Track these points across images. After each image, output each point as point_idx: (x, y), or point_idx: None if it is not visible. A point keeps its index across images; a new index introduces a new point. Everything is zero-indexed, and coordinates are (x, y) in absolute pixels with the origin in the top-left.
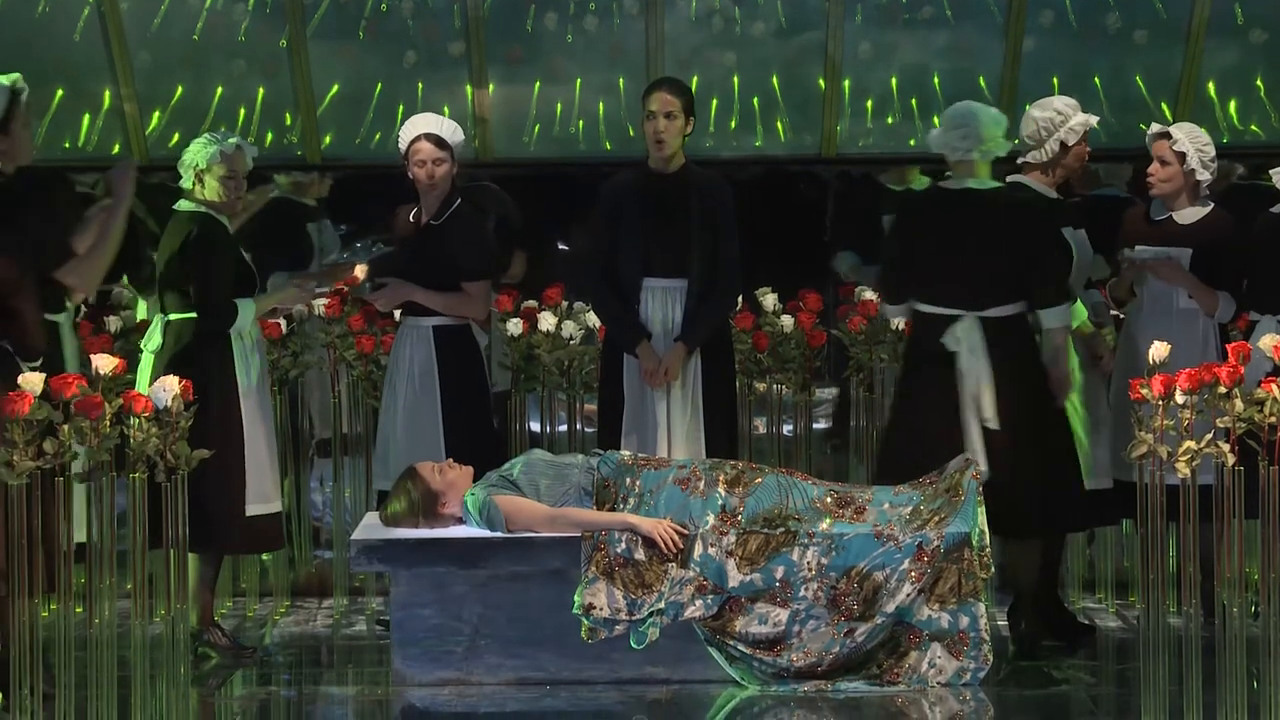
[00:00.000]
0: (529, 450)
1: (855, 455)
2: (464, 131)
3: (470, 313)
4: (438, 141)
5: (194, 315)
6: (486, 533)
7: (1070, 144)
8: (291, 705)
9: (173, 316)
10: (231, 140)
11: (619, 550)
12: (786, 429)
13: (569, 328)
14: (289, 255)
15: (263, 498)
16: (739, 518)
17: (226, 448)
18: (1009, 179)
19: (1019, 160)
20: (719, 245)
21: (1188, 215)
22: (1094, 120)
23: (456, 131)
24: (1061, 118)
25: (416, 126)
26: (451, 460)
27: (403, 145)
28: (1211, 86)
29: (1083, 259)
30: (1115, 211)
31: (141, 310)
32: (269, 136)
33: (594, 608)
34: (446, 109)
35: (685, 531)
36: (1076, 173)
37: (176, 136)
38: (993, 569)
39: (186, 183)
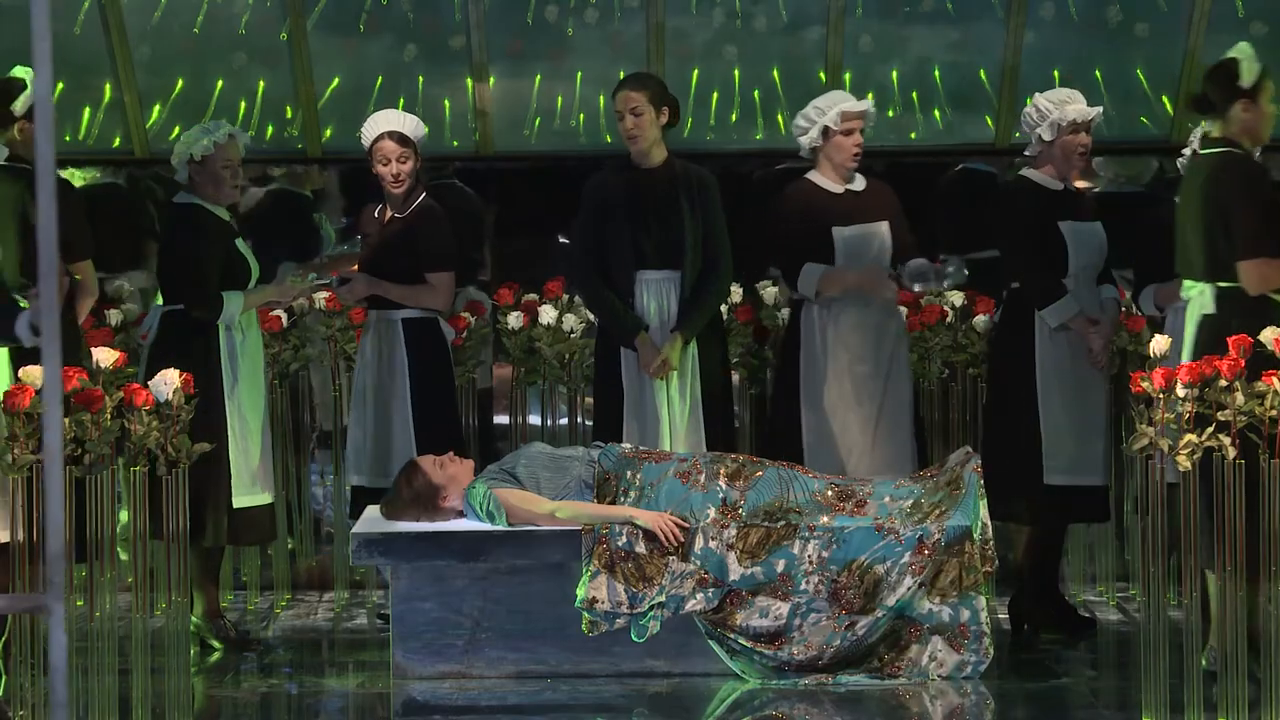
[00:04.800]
0: (529, 443)
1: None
2: (465, 125)
3: (433, 303)
4: (400, 139)
5: (182, 306)
6: (487, 526)
7: (1047, 139)
8: (292, 699)
9: (167, 307)
10: (223, 129)
11: (620, 543)
12: None
13: (570, 321)
14: (295, 246)
15: (251, 490)
16: (740, 511)
17: (208, 439)
18: (1020, 172)
19: (1026, 152)
20: (709, 235)
21: None
22: (1073, 116)
23: (419, 127)
24: (1040, 114)
25: (378, 125)
26: (452, 453)
27: (365, 143)
28: None
29: (1085, 253)
30: (1134, 208)
31: None
32: (269, 130)
33: (596, 601)
34: (447, 102)
35: (686, 525)
36: (1065, 167)
37: (177, 129)
38: (995, 562)
39: (181, 174)
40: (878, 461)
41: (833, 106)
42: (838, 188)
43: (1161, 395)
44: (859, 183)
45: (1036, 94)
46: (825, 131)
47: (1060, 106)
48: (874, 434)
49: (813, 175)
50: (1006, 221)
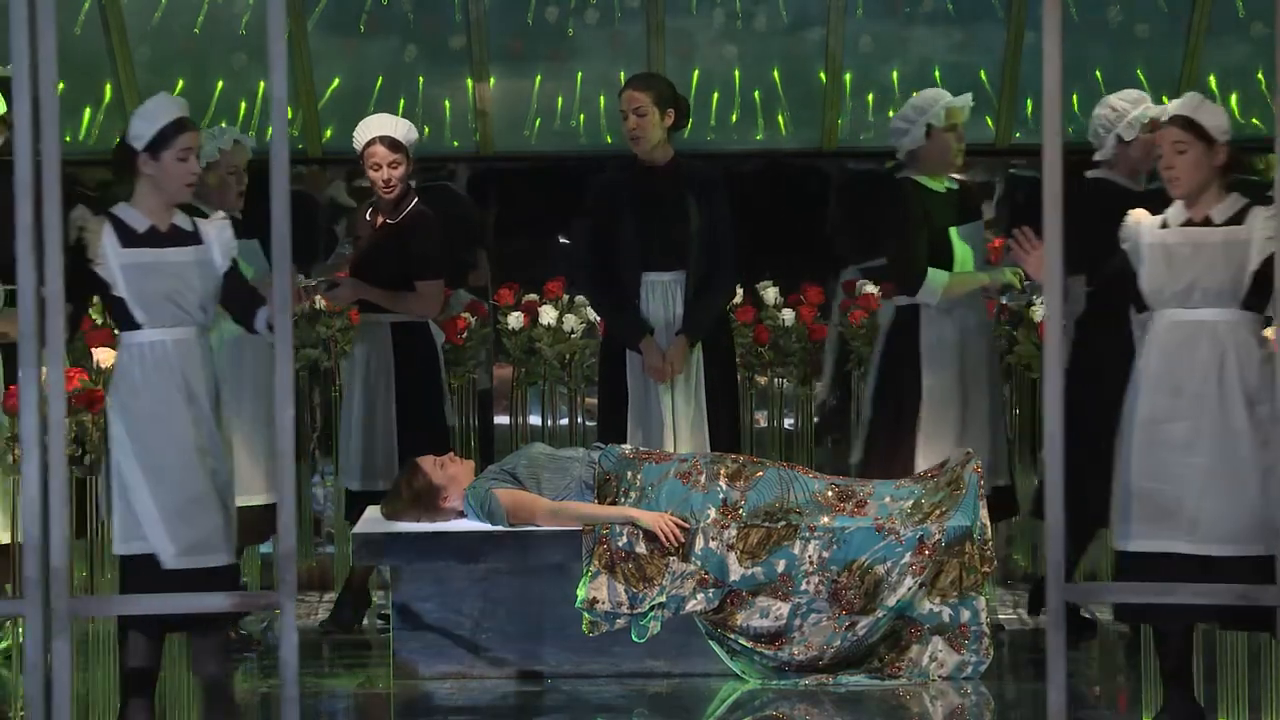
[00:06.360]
0: (530, 444)
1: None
2: (465, 125)
3: (421, 310)
4: (392, 144)
5: None
6: (488, 526)
7: (1127, 139)
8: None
9: None
10: (229, 135)
11: (620, 544)
12: (788, 422)
13: (570, 321)
14: (301, 249)
15: (247, 490)
16: (740, 511)
17: None
18: (1087, 174)
19: (1095, 157)
20: (715, 235)
21: None
22: (1154, 113)
23: (411, 131)
24: (1117, 114)
25: (370, 129)
26: (453, 454)
27: (357, 147)
28: (1213, 80)
29: None
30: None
31: None
32: (269, 130)
33: (597, 602)
34: (447, 102)
35: (686, 525)
36: (1145, 165)
37: None
38: (994, 562)
39: None
40: (986, 461)
41: (935, 104)
42: (940, 187)
43: None
44: (953, 181)
45: (1107, 97)
46: (929, 130)
47: (1137, 104)
48: (989, 430)
49: (912, 175)
50: (1104, 225)
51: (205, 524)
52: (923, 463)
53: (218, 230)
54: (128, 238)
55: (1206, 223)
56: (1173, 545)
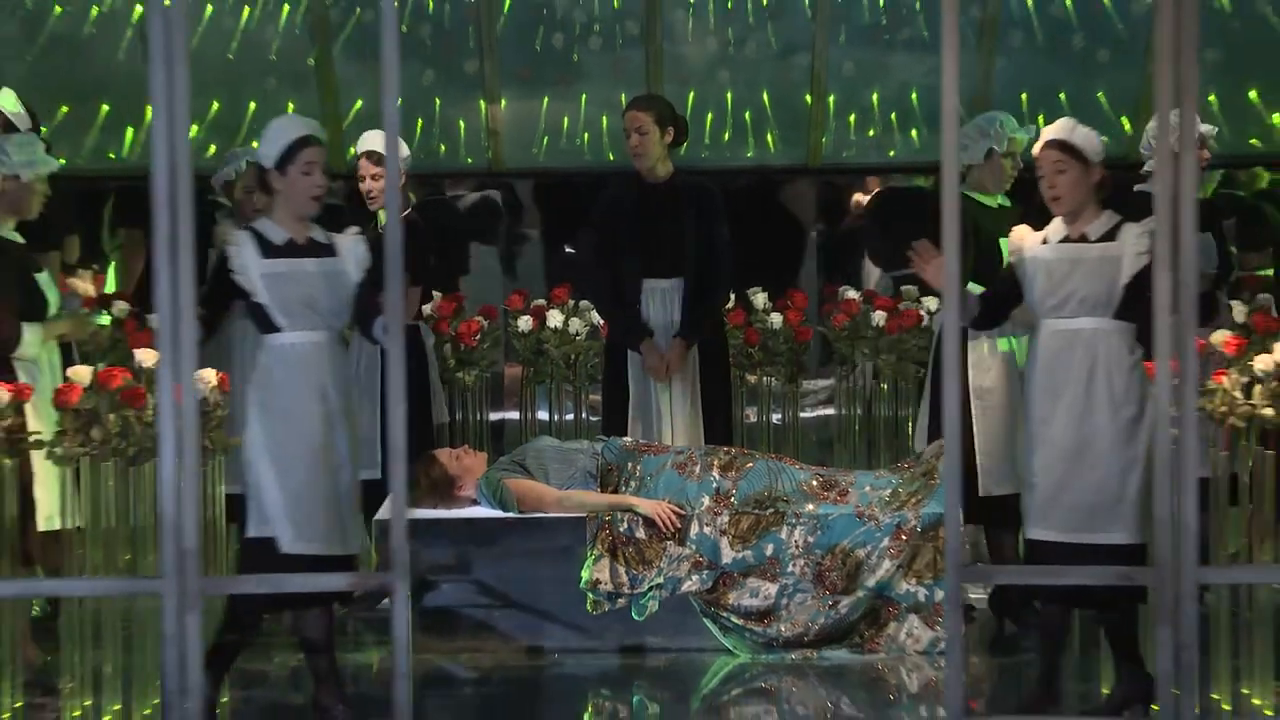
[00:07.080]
0: (538, 437)
1: (840, 441)
2: (479, 143)
3: None
4: (378, 159)
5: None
6: (499, 513)
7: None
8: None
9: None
10: (244, 158)
11: (622, 529)
12: (775, 418)
13: (575, 324)
14: None
15: None
16: (732, 499)
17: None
18: (1136, 189)
19: (1143, 170)
20: (712, 245)
21: None
22: (1204, 129)
23: (401, 148)
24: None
25: (362, 145)
26: (467, 446)
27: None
28: None
29: (1206, 264)
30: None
31: None
32: None
33: (599, 583)
34: (462, 123)
35: (682, 512)
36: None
37: (213, 148)
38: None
39: (223, 195)
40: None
41: (1000, 131)
42: (992, 202)
43: None
44: (1007, 199)
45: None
46: (989, 153)
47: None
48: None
49: (962, 190)
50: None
51: (323, 516)
52: (982, 477)
53: (352, 244)
54: (267, 249)
55: (1083, 239)
56: (1046, 534)
